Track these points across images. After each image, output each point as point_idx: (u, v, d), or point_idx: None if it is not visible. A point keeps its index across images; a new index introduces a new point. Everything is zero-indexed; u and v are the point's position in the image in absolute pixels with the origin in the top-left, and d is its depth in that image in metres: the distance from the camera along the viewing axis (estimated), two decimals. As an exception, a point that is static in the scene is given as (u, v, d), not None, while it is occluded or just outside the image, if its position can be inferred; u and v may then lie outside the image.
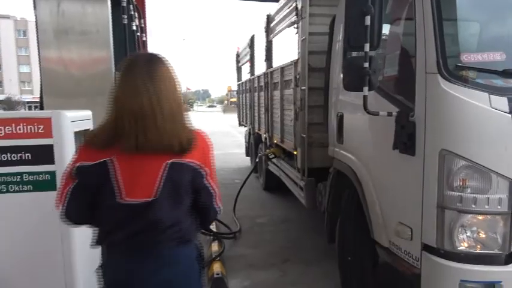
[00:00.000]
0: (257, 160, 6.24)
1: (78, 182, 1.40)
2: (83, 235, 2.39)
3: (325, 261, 3.87)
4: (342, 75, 3.18)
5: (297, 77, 3.98)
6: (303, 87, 3.84)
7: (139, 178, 1.38)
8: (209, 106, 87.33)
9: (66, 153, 2.23)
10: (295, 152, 4.36)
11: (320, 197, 3.93)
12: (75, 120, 2.37)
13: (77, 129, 2.38)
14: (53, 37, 3.28)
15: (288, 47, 4.68)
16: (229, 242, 4.44)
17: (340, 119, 3.22)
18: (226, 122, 26.81)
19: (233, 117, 15.66)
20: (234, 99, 46.56)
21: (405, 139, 2.20)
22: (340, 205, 3.31)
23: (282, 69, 4.75)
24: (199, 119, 35.57)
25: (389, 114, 2.25)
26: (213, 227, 4.74)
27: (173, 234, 1.43)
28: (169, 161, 1.38)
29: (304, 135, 3.88)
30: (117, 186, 1.36)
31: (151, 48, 5.22)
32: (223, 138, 15.46)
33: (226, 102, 56.98)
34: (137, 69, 1.41)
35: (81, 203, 1.42)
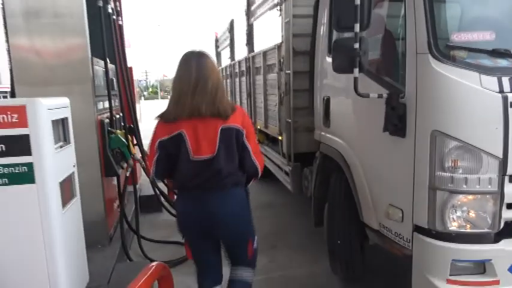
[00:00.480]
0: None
1: (160, 152, 2.00)
2: (64, 227, 2.30)
3: (313, 246, 3.89)
4: (327, 58, 3.15)
5: (281, 60, 3.91)
6: (288, 71, 3.77)
7: (202, 141, 1.96)
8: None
9: (44, 143, 2.10)
10: (280, 138, 4.31)
11: (306, 182, 3.92)
12: (52, 108, 2.23)
13: (54, 118, 2.25)
14: (22, 21, 3.07)
15: (270, 31, 4.59)
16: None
17: (327, 102, 3.19)
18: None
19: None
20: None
21: (396, 121, 2.19)
22: (328, 189, 3.30)
23: (265, 53, 4.66)
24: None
25: (380, 96, 2.23)
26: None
27: (231, 180, 2.04)
28: (220, 127, 1.96)
29: (290, 120, 3.83)
30: (190, 149, 1.95)
31: (127, 33, 5.03)
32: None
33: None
34: (191, 62, 1.99)
35: (164, 166, 2.04)
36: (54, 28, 3.11)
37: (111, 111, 3.58)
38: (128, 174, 3.70)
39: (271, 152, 5.13)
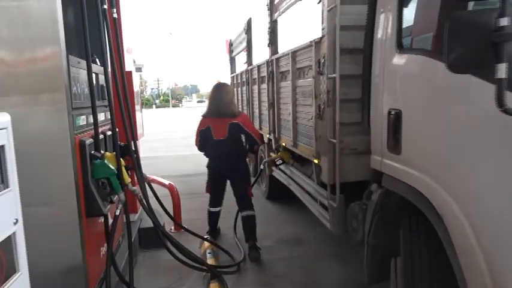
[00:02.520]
0: (261, 167, 5.22)
1: (201, 136, 4.10)
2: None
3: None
4: (397, 56, 2.20)
5: (321, 61, 2.97)
6: (332, 75, 2.83)
7: (219, 130, 3.96)
8: (198, 101, 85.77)
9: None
10: (316, 161, 3.35)
11: (355, 223, 2.94)
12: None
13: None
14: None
15: (301, 26, 3.67)
16: (232, 279, 3.43)
17: (396, 119, 2.23)
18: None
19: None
20: (224, 94, 45.66)
21: None
22: (394, 237, 2.35)
23: (295, 53, 3.73)
24: (188, 116, 34.41)
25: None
26: (210, 260, 3.72)
27: (236, 152, 4.05)
28: (229, 122, 3.93)
29: (334, 140, 2.87)
30: (213, 134, 3.99)
31: (129, 38, 4.18)
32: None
33: (215, 97, 55.51)
34: (217, 88, 4.14)
35: (202, 143, 4.12)
36: (13, 14, 2.22)
37: (96, 129, 2.68)
38: (117, 213, 2.77)
39: (300, 176, 4.16)
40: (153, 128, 20.73)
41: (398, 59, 2.24)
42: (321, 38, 2.96)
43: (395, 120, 2.23)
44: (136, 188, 3.03)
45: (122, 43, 3.82)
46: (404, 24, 2.26)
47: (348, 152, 2.94)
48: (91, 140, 2.65)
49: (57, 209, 2.38)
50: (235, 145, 4.02)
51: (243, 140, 4.14)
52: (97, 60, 3.19)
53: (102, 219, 2.83)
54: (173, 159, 10.59)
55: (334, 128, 2.88)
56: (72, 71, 2.48)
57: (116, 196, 2.75)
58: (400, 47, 2.23)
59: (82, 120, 2.64)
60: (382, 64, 2.40)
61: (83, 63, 2.64)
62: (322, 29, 2.90)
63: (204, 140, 4.04)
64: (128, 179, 2.91)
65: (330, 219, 3.21)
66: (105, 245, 2.88)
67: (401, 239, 2.27)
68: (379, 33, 2.44)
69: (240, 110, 7.34)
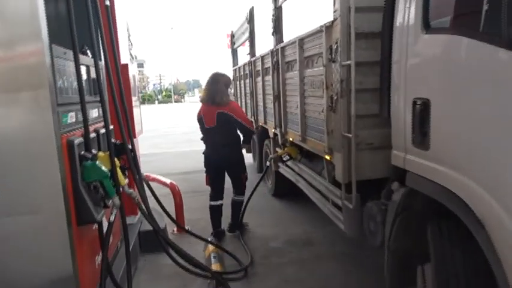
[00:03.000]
0: (267, 164, 4.95)
1: (198, 123, 4.27)
2: None
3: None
4: (423, 36, 1.93)
5: (334, 48, 2.69)
6: (346, 62, 2.55)
7: (209, 118, 4.06)
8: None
9: None
10: (328, 157, 3.09)
11: (372, 224, 2.68)
12: None
13: None
14: None
15: (309, 10, 3.37)
16: (238, 285, 3.19)
17: (423, 109, 1.95)
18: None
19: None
20: (226, 88, 45.35)
21: None
22: (419, 242, 2.12)
23: (302, 41, 3.45)
24: (191, 110, 33.99)
25: None
26: (215, 265, 3.48)
27: (226, 141, 4.08)
28: (217, 111, 3.99)
29: (349, 135, 2.60)
30: (204, 121, 4.12)
31: (120, 18, 3.91)
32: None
33: (217, 91, 55.24)
34: (210, 75, 4.23)
35: (200, 130, 4.30)
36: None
37: (86, 126, 2.42)
38: (112, 219, 2.53)
39: (309, 173, 3.91)
40: (155, 124, 20.53)
41: (426, 41, 1.96)
42: (332, 22, 2.68)
43: (422, 111, 1.96)
44: (134, 190, 2.77)
45: (116, 33, 3.55)
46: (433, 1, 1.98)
47: (364, 147, 2.68)
48: (81, 139, 2.40)
49: (43, 217, 2.14)
50: (225, 134, 4.06)
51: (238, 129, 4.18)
52: (88, 52, 2.94)
53: (96, 226, 2.59)
54: (174, 155, 10.36)
55: (349, 121, 2.61)
56: (58, 62, 2.22)
57: (111, 200, 2.51)
58: (427, 27, 1.95)
59: (71, 118, 2.39)
60: (405, 48, 2.12)
61: (70, 54, 2.38)
62: (334, 12, 2.62)
63: (201, 127, 4.25)
64: (123, 181, 2.67)
65: (344, 221, 2.96)
66: (101, 253, 2.64)
67: (431, 245, 2.02)
68: (401, 13, 2.16)
69: (244, 104, 7.09)
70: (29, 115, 2.07)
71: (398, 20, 2.19)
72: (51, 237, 2.17)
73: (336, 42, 2.63)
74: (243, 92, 7.05)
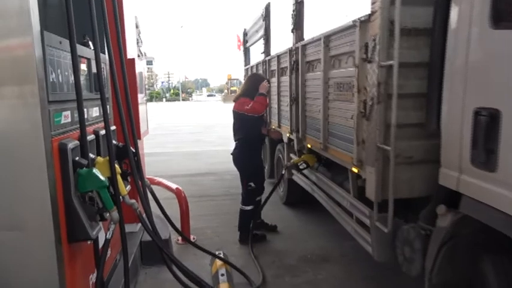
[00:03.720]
0: (283, 172, 4.61)
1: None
2: None
3: None
4: (492, 33, 1.57)
5: (370, 45, 2.33)
6: (387, 63, 2.19)
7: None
8: (208, 95, 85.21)
9: None
10: (355, 170, 2.73)
11: (408, 251, 2.32)
12: None
13: None
14: None
15: (333, 8, 3.02)
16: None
17: (491, 120, 1.60)
18: (228, 112, 25.09)
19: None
20: (235, 88, 44.78)
21: None
22: (469, 276, 1.78)
23: (328, 38, 3.10)
24: (198, 108, 33.84)
25: None
26: (223, 284, 3.13)
27: (237, 141, 4.11)
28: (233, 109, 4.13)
29: (389, 148, 2.24)
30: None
31: (127, 9, 3.59)
32: (226, 131, 13.78)
33: (226, 91, 55.09)
34: (249, 77, 4.54)
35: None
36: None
37: (82, 128, 2.09)
38: (108, 236, 2.20)
39: (330, 184, 3.55)
40: (162, 121, 20.25)
41: (495, 39, 1.60)
42: (369, 16, 2.32)
43: (487, 124, 1.61)
44: (136, 201, 2.44)
45: (122, 25, 3.24)
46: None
47: (401, 161, 2.32)
48: (76, 142, 2.08)
49: (27, 234, 1.82)
50: (237, 132, 4.09)
51: (248, 129, 4.01)
52: (90, 43, 2.61)
53: (90, 241, 2.26)
54: (181, 155, 10.04)
55: (386, 131, 2.26)
56: (50, 53, 1.90)
57: (108, 214, 2.17)
58: (498, 22, 1.60)
59: (65, 118, 2.06)
60: (465, 47, 1.76)
61: (67, 43, 2.05)
62: (373, 3, 2.26)
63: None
64: (124, 191, 2.34)
65: (373, 244, 2.60)
66: (96, 272, 2.32)
67: (491, 282, 1.67)
68: (460, 6, 1.81)
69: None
70: (14, 114, 1.75)
71: (456, 14, 1.83)
72: (36, 257, 1.86)
73: (374, 39, 2.28)
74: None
